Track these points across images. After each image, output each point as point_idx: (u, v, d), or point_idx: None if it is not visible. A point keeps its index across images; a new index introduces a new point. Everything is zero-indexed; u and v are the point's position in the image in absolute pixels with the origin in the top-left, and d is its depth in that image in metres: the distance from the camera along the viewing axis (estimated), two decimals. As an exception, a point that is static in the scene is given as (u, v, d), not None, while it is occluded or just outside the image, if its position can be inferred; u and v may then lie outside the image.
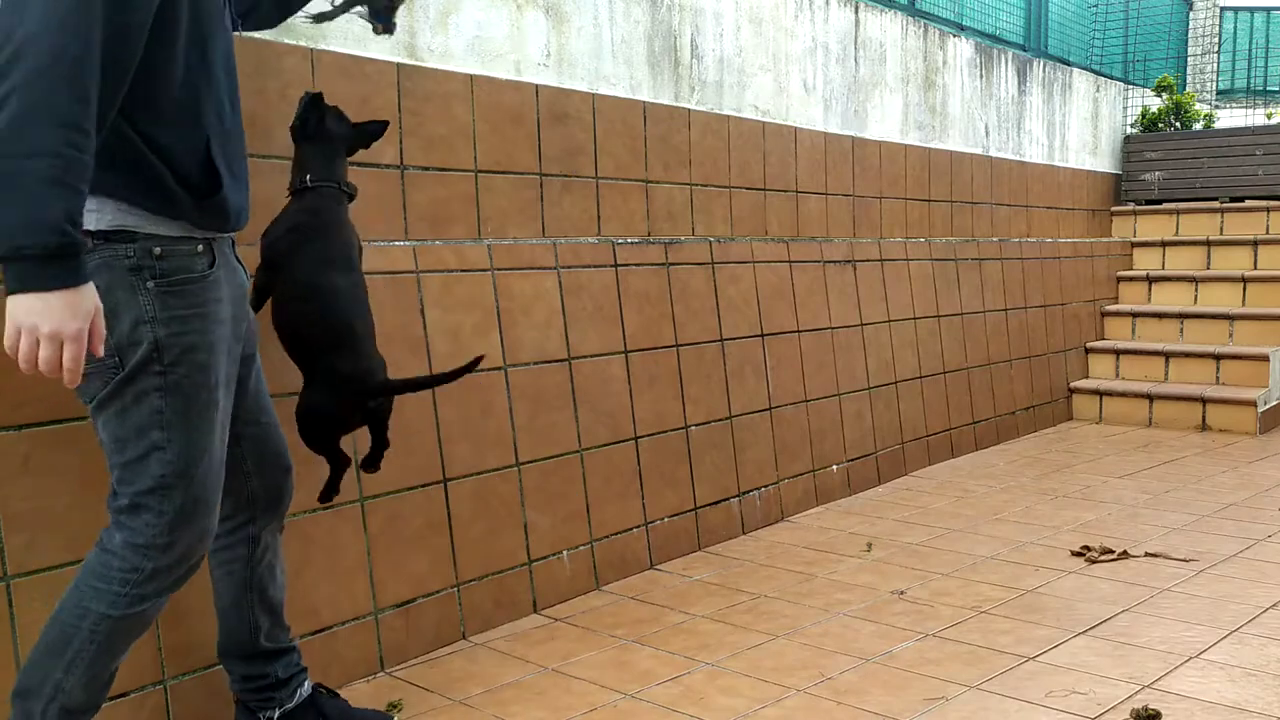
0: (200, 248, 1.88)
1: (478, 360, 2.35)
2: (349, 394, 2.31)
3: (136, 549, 1.85)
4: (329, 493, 2.44)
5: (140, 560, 1.85)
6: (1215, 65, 10.23)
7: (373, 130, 2.47)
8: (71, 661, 1.85)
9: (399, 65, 2.98)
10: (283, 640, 2.27)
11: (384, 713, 2.47)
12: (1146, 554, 3.63)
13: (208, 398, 1.88)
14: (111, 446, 1.85)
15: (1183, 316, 6.46)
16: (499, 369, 3.15)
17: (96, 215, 1.76)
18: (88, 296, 1.62)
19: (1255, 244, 6.62)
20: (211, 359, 1.88)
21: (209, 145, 1.85)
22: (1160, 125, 7.66)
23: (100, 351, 1.67)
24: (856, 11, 4.91)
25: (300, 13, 2.38)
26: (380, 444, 2.45)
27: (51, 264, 1.57)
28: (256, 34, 2.54)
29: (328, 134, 2.37)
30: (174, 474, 1.84)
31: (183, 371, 1.83)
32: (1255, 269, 6.53)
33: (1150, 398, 6.14)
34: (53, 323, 1.58)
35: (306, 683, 2.31)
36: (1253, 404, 5.82)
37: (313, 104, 2.35)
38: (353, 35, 2.88)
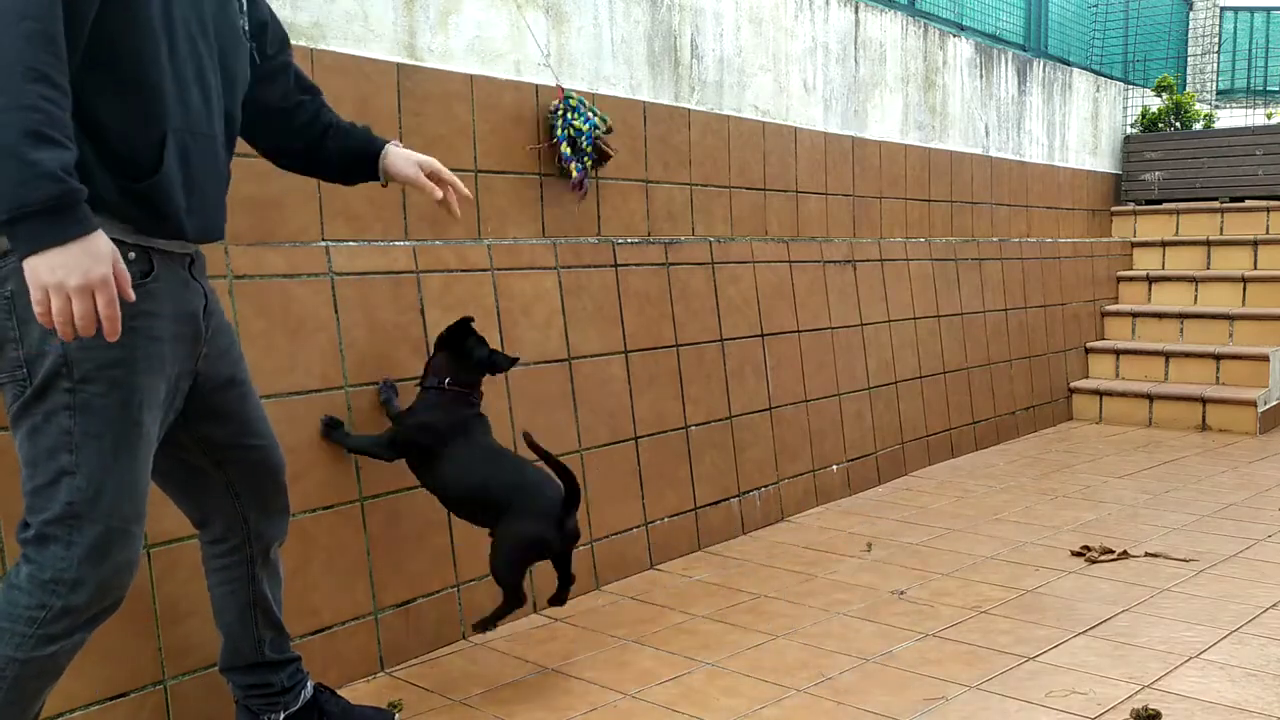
0: (132, 255, 1.71)
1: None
2: (552, 512, 2.58)
3: (43, 585, 1.68)
4: (490, 623, 2.61)
5: (47, 597, 1.68)
6: (1215, 65, 10.23)
7: (502, 364, 2.78)
8: None
9: (399, 65, 2.98)
10: (286, 650, 2.27)
11: (386, 710, 2.47)
12: (1146, 554, 3.63)
13: (128, 419, 1.71)
14: (24, 470, 1.69)
15: (1183, 316, 6.46)
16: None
17: None
18: (103, 240, 1.55)
19: (1255, 244, 6.62)
20: (134, 378, 1.71)
21: (165, 142, 1.72)
22: (1160, 125, 7.66)
23: (131, 295, 1.59)
24: (856, 11, 4.91)
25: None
26: (568, 578, 2.72)
27: (59, 215, 1.50)
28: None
29: (470, 354, 2.72)
30: (84, 501, 1.67)
31: (95, 390, 1.67)
32: (1255, 269, 6.53)
33: (1150, 398, 6.14)
34: (79, 273, 1.51)
35: (309, 685, 2.32)
36: (1253, 404, 5.82)
37: (466, 330, 2.73)
38: (353, 35, 2.88)
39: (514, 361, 2.82)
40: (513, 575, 2.59)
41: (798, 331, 4.35)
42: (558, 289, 3.31)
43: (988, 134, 5.97)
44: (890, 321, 4.92)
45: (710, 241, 3.99)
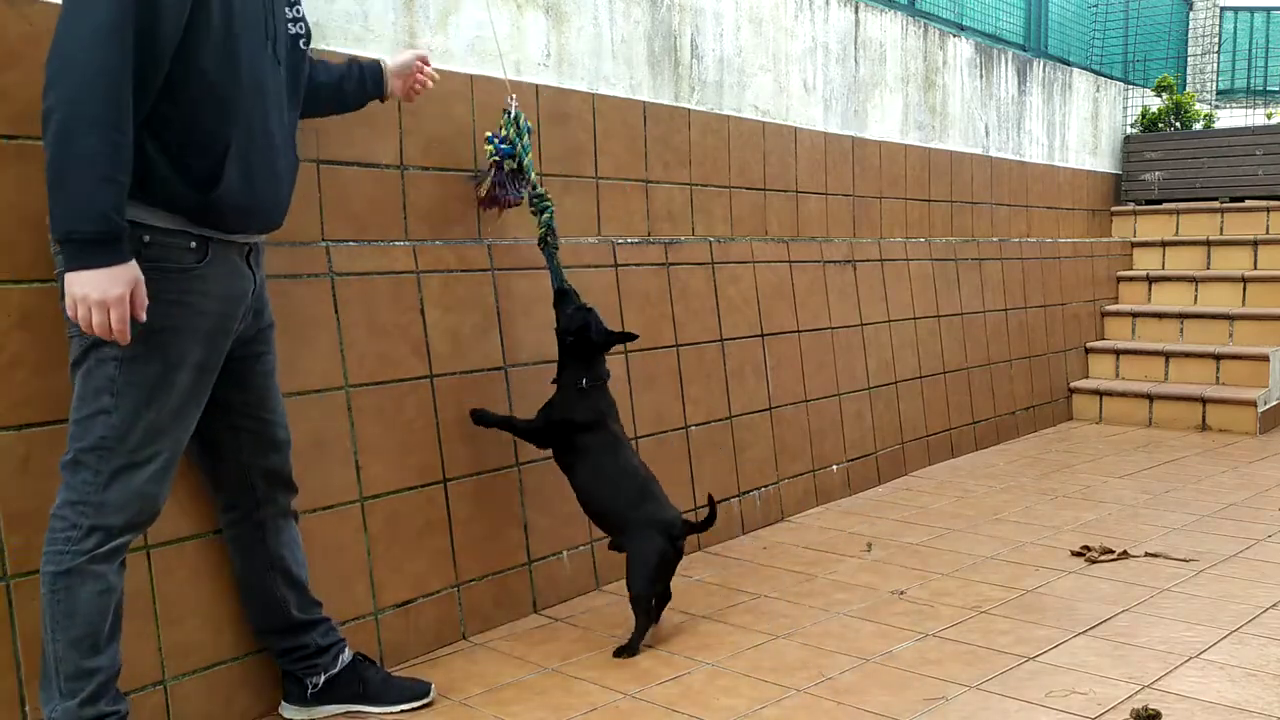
0: (193, 244, 2.05)
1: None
2: (669, 534, 2.87)
3: (74, 506, 1.99)
4: (632, 648, 2.81)
5: (77, 517, 1.99)
6: (1215, 65, 10.23)
7: (624, 338, 3.08)
8: (53, 630, 2.00)
9: (399, 65, 2.98)
10: (315, 612, 2.45)
11: (423, 681, 2.57)
12: (1146, 554, 3.63)
13: (168, 377, 2.03)
14: (73, 404, 2.02)
15: (1183, 316, 6.46)
16: (499, 369, 3.15)
17: None
18: (129, 270, 1.89)
19: (1255, 244, 6.61)
20: (179, 343, 2.04)
21: (228, 152, 2.03)
22: (1160, 125, 7.66)
23: (143, 316, 1.92)
24: (856, 11, 4.91)
25: None
26: (666, 595, 2.98)
27: (97, 247, 1.86)
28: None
29: (598, 345, 2.98)
30: (114, 437, 1.99)
31: (138, 349, 1.98)
32: (1255, 269, 6.53)
33: (1150, 398, 6.14)
34: (99, 291, 1.86)
35: (346, 650, 2.50)
36: (1253, 404, 5.82)
37: (593, 320, 2.98)
38: (352, 35, 2.88)
39: (634, 336, 3.16)
40: (645, 597, 2.87)
41: (798, 331, 4.35)
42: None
43: (988, 134, 5.97)
44: (890, 321, 4.92)
45: (710, 241, 3.99)
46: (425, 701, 2.52)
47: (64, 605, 2.00)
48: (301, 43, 2.25)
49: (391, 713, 2.48)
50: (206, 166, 2.01)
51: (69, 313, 1.90)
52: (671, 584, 3.06)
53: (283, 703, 2.49)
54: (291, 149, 2.24)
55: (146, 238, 1.99)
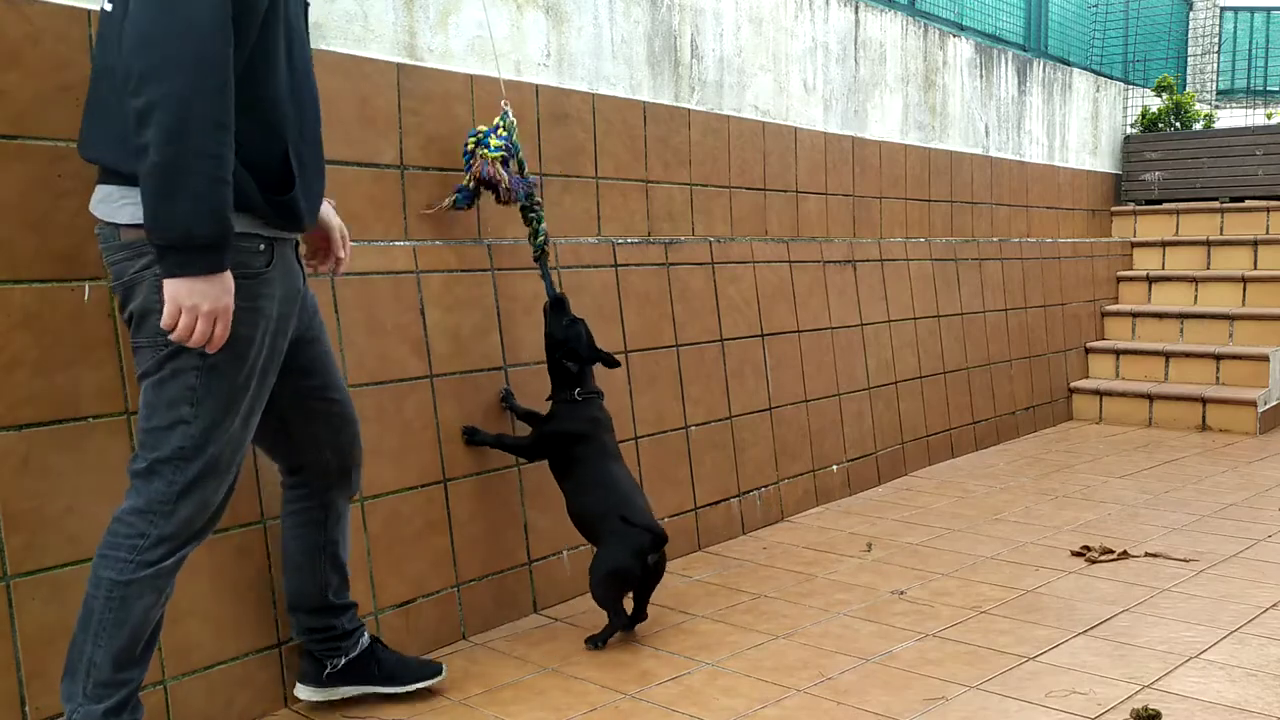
0: (262, 246, 2.01)
1: None
2: (639, 546, 2.84)
3: (141, 514, 1.96)
4: (599, 641, 2.86)
5: (146, 525, 1.96)
6: (1215, 65, 10.23)
7: (610, 362, 3.08)
8: (96, 635, 1.95)
9: (399, 65, 2.98)
10: (347, 597, 2.50)
11: (436, 662, 2.64)
12: (1146, 554, 3.63)
13: (241, 384, 2.01)
14: (143, 413, 1.99)
15: (1183, 316, 6.46)
16: (499, 369, 3.15)
17: None
18: (230, 276, 1.87)
19: (1255, 244, 6.61)
20: (251, 350, 2.01)
21: (287, 150, 2.01)
22: (1160, 125, 7.66)
23: (228, 329, 1.89)
24: (856, 11, 4.91)
25: None
26: (640, 613, 2.96)
27: (210, 252, 1.82)
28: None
29: (589, 355, 3.01)
30: (192, 447, 1.97)
31: (220, 358, 1.95)
32: (1255, 269, 6.53)
33: (1150, 398, 6.14)
34: (212, 301, 1.84)
35: (366, 634, 2.54)
36: (1253, 404, 5.82)
37: (587, 334, 3.01)
38: (352, 35, 2.88)
39: (618, 364, 3.16)
40: (608, 600, 2.88)
41: (798, 331, 4.35)
42: (557, 288, 3.30)
43: (988, 134, 5.97)
44: (890, 321, 4.92)
45: (710, 241, 3.99)
46: (438, 680, 2.58)
47: (115, 614, 1.96)
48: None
49: (405, 691, 2.53)
50: (275, 166, 1.98)
51: (166, 322, 1.84)
52: (671, 584, 3.07)
53: (298, 684, 2.51)
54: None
55: None
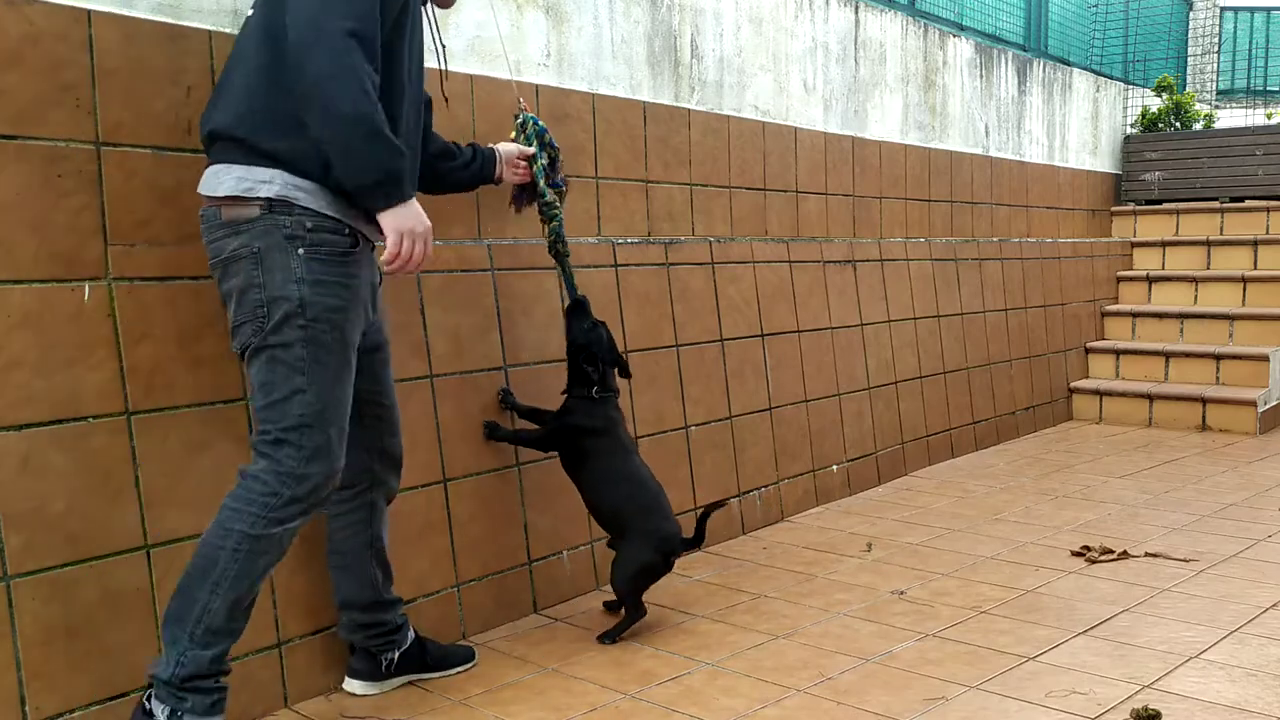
0: (347, 231, 2.19)
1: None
2: (664, 549, 2.95)
3: (278, 475, 2.12)
4: (613, 635, 2.91)
5: (279, 486, 2.12)
6: (1215, 65, 10.23)
7: (625, 371, 3.13)
8: (216, 583, 2.08)
9: (399, 65, 2.98)
10: (392, 592, 2.61)
11: (469, 646, 2.80)
12: (1146, 554, 3.63)
13: (342, 355, 2.19)
14: (259, 390, 2.15)
15: (1183, 316, 6.46)
16: (499, 369, 3.15)
17: (268, 185, 2.11)
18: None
19: (1255, 244, 6.62)
20: (347, 323, 2.19)
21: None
22: (1160, 125, 7.66)
23: (431, 250, 2.21)
24: (856, 11, 4.91)
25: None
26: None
27: (404, 182, 2.14)
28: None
29: (609, 359, 3.04)
30: (312, 415, 2.14)
31: (322, 328, 2.14)
32: (1255, 269, 6.53)
33: (1150, 398, 6.14)
34: (421, 224, 2.18)
35: (411, 628, 2.66)
36: (1253, 404, 5.82)
37: (608, 338, 3.04)
38: (353, 35, 2.87)
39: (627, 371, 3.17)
40: (633, 594, 2.95)
41: (798, 331, 4.35)
42: (558, 289, 3.30)
43: (988, 134, 5.97)
44: (890, 321, 4.92)
45: (710, 241, 3.99)
46: (473, 664, 2.74)
47: (241, 565, 2.09)
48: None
49: (449, 675, 2.68)
50: None
51: (391, 250, 2.14)
52: (671, 584, 3.08)
53: (350, 680, 2.60)
54: None
55: (309, 224, 2.13)
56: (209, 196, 2.16)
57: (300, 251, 2.12)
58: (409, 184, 2.19)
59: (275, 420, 2.12)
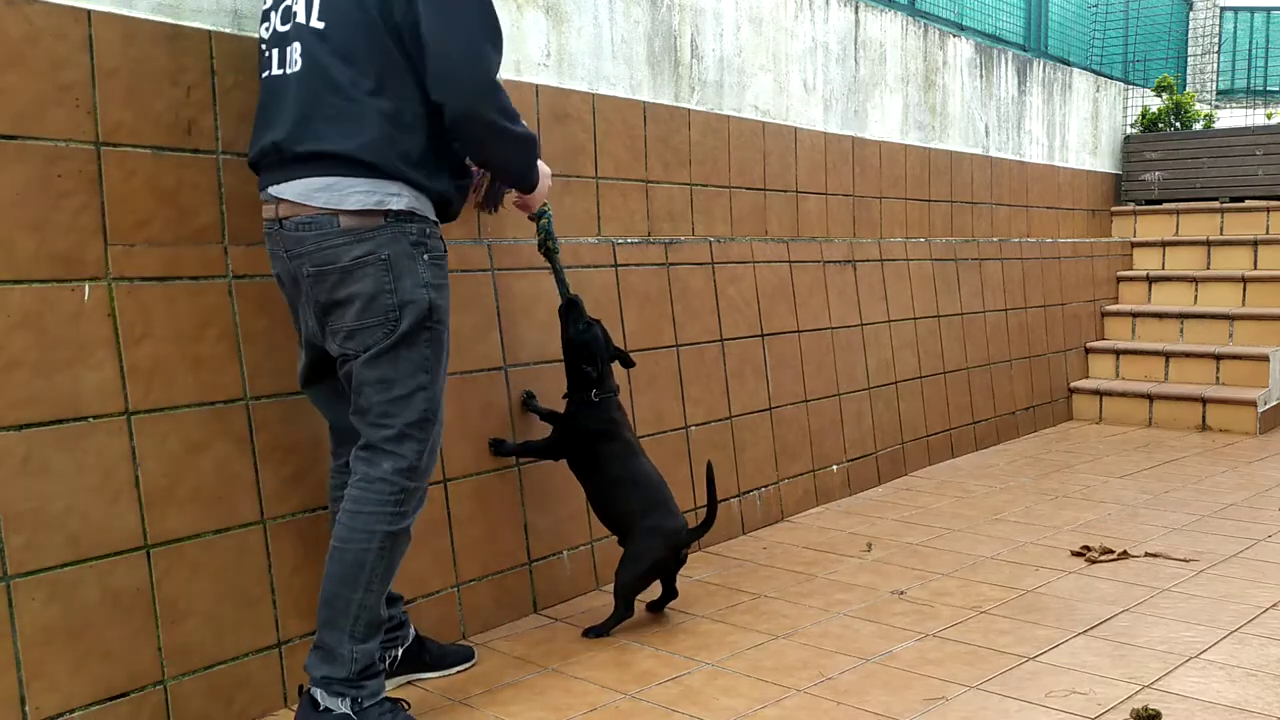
0: (439, 232, 2.35)
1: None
2: (671, 543, 2.98)
3: (402, 472, 2.24)
4: (600, 631, 2.94)
5: (405, 481, 2.24)
6: (1215, 65, 10.23)
7: (626, 361, 3.18)
8: (369, 581, 2.23)
9: (399, 65, 2.98)
10: (393, 589, 2.53)
11: (468, 646, 2.81)
12: (1146, 554, 3.63)
13: (448, 349, 2.34)
14: (377, 386, 2.23)
15: (1183, 316, 6.46)
16: (499, 369, 3.15)
17: (397, 197, 2.21)
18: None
19: (1255, 244, 6.62)
20: (448, 319, 2.34)
21: (464, 167, 2.42)
22: (1160, 125, 7.66)
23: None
24: (856, 11, 4.91)
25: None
26: (669, 593, 3.11)
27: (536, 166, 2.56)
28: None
29: (608, 355, 3.06)
30: (432, 409, 2.28)
31: (443, 329, 2.29)
32: (1255, 269, 6.53)
33: (1150, 398, 6.14)
34: (549, 176, 2.71)
35: (412, 625, 2.68)
36: (1253, 404, 5.82)
37: (604, 335, 3.05)
38: (353, 35, 2.87)
39: (633, 363, 3.26)
40: (633, 592, 2.99)
41: (798, 331, 4.35)
42: (557, 289, 3.30)
43: (988, 134, 5.97)
44: (890, 321, 4.92)
45: (710, 241, 3.99)
46: (472, 663, 2.76)
47: (386, 561, 2.25)
48: None
49: (448, 675, 2.70)
50: (456, 177, 2.37)
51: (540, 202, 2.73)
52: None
53: None
54: None
55: (428, 230, 2.27)
56: (327, 209, 2.18)
57: (425, 257, 2.25)
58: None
59: (398, 415, 2.23)
